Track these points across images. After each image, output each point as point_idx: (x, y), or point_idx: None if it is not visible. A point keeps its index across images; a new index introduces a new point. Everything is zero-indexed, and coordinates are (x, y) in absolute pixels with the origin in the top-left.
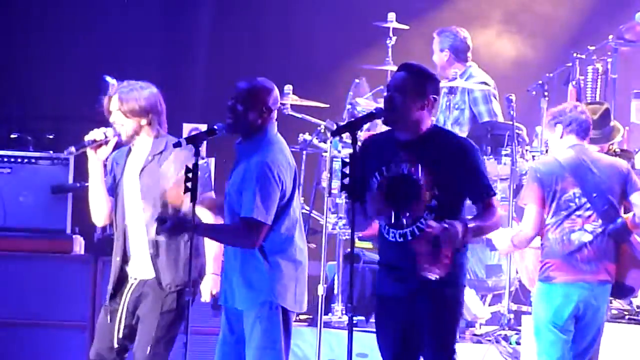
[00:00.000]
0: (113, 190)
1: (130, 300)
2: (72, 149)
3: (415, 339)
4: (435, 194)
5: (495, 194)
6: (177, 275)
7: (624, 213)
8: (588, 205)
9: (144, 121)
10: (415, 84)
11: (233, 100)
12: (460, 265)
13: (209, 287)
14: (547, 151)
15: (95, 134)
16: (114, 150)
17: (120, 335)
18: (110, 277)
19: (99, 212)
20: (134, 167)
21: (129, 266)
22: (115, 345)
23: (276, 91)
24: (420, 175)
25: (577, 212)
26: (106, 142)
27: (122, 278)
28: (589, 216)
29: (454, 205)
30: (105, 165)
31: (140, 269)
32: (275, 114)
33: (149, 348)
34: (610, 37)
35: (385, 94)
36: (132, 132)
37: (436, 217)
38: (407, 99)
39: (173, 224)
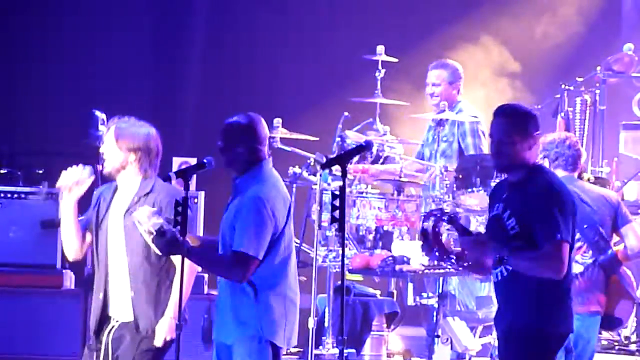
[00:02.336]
0: (95, 224)
1: (111, 341)
2: (44, 190)
3: None
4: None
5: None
6: (155, 320)
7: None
8: (578, 236)
9: (132, 157)
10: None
11: (220, 140)
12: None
13: (164, 330)
14: None
15: (67, 178)
16: (102, 182)
17: None
18: (92, 314)
19: (69, 248)
20: (119, 206)
21: (110, 306)
22: None
23: (263, 123)
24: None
25: None
26: (81, 183)
27: (103, 318)
28: (580, 247)
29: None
30: (92, 198)
31: (120, 310)
32: (266, 148)
33: None
34: (598, 68)
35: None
36: (119, 167)
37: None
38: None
39: (171, 239)
